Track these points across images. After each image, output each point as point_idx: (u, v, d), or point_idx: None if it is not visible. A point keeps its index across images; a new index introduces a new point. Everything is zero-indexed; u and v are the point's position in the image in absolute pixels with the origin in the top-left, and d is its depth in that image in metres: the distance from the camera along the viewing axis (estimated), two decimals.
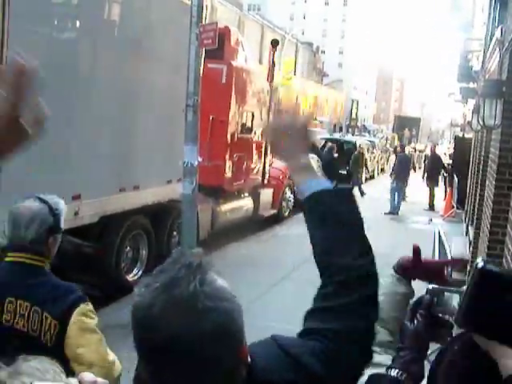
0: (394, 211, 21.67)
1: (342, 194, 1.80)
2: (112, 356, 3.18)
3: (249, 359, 1.49)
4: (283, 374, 1.54)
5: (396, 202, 22.02)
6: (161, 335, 1.36)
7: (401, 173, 22.77)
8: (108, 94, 9.11)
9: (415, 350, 2.02)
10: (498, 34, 10.39)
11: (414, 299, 2.18)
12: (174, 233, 11.47)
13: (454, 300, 2.12)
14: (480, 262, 0.83)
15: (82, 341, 3.06)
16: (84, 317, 3.16)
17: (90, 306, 3.25)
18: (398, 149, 26.44)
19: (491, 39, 12.51)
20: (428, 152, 31.76)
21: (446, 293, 2.16)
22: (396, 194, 22.14)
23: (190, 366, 1.38)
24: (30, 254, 3.19)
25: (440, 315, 2.06)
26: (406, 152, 27.52)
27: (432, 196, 23.91)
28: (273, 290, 10.56)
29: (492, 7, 13.96)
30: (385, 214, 21.39)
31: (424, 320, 2.04)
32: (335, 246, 1.73)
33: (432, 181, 24.36)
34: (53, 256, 3.44)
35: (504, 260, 5.84)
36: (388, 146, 45.16)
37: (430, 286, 2.14)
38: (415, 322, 2.06)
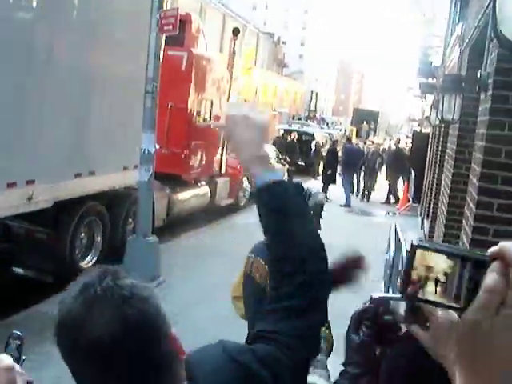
0: (347, 203, 21.78)
1: (293, 186, 1.77)
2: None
3: (184, 356, 1.50)
4: (230, 382, 1.53)
5: (346, 195, 22.06)
6: (85, 335, 1.34)
7: (349, 164, 22.81)
8: (64, 78, 8.93)
9: (363, 364, 1.95)
10: (458, 30, 10.47)
11: (357, 310, 2.09)
12: (130, 220, 11.35)
13: (401, 307, 2.07)
14: (415, 241, 0.86)
15: None
16: None
17: None
18: (345, 140, 26.71)
19: (451, 35, 12.61)
20: (386, 146, 31.88)
21: (391, 301, 2.08)
22: (347, 185, 22.23)
23: (118, 361, 1.36)
24: None
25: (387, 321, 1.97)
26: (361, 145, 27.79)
27: (396, 190, 24.05)
28: (229, 279, 10.52)
29: (453, 4, 14.06)
30: (340, 206, 21.49)
31: (370, 331, 1.97)
32: (289, 239, 1.69)
33: (395, 175, 24.39)
34: None
35: None
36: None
37: (375, 295, 2.06)
38: (361, 333, 1.99)
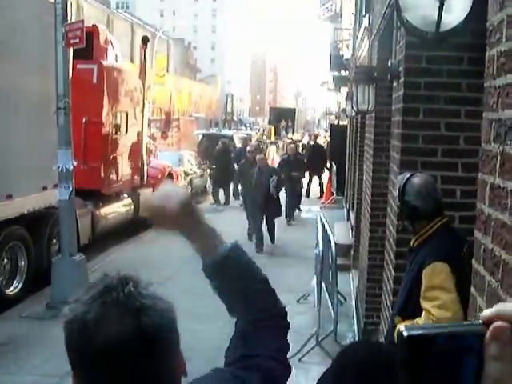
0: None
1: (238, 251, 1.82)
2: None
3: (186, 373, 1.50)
4: None
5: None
6: (99, 340, 1.30)
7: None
8: None
9: None
10: (365, 22, 10.61)
11: None
12: (54, 240, 11.09)
13: None
14: (404, 331, 0.77)
15: (426, 294, 3.71)
16: (430, 274, 3.71)
17: (443, 267, 3.73)
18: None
19: (359, 28, 12.77)
20: (305, 142, 32.04)
21: None
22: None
23: (132, 369, 1.33)
24: None
25: None
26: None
27: (321, 185, 23.92)
28: (161, 287, 10.40)
29: None
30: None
31: None
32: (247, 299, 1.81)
33: (316, 170, 24.35)
34: None
35: (386, 242, 5.93)
36: (265, 137, 45.62)
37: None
38: None
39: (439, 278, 3.67)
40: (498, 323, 0.70)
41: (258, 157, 15.24)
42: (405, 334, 0.74)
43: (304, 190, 21.94)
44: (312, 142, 27.39)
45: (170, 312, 1.40)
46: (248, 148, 17.83)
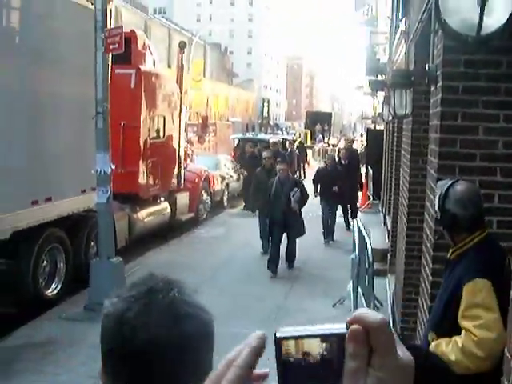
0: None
1: None
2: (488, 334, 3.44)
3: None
4: None
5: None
6: (136, 341, 1.29)
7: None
8: (14, 104, 8.80)
9: None
10: (402, 26, 10.57)
11: None
12: (92, 243, 11.22)
13: None
14: (277, 332, 0.86)
15: (466, 313, 3.53)
16: (471, 292, 3.53)
17: (484, 283, 3.53)
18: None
19: (396, 31, 12.72)
20: (341, 147, 31.79)
21: None
22: None
23: (159, 374, 1.31)
24: None
25: None
26: None
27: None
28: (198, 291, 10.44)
29: (395, 1, 14.19)
30: None
31: None
32: None
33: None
34: None
35: (423, 246, 5.89)
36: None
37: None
38: None
39: (480, 295, 3.49)
40: (354, 326, 0.83)
41: (279, 165, 13.00)
42: (277, 335, 0.83)
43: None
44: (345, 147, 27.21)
45: (209, 324, 1.38)
46: (264, 154, 15.95)
